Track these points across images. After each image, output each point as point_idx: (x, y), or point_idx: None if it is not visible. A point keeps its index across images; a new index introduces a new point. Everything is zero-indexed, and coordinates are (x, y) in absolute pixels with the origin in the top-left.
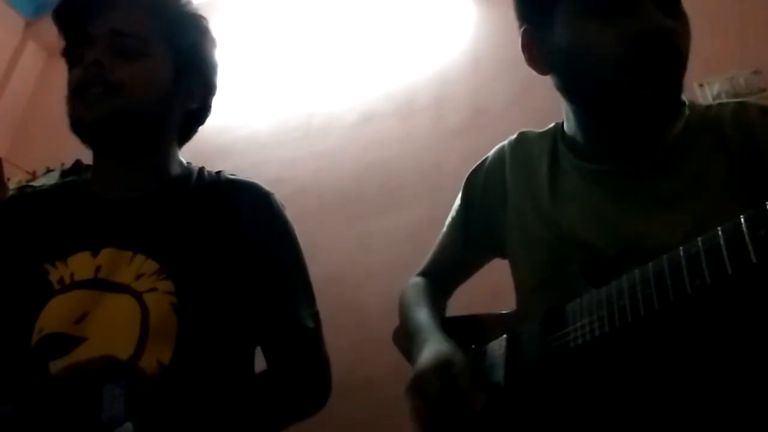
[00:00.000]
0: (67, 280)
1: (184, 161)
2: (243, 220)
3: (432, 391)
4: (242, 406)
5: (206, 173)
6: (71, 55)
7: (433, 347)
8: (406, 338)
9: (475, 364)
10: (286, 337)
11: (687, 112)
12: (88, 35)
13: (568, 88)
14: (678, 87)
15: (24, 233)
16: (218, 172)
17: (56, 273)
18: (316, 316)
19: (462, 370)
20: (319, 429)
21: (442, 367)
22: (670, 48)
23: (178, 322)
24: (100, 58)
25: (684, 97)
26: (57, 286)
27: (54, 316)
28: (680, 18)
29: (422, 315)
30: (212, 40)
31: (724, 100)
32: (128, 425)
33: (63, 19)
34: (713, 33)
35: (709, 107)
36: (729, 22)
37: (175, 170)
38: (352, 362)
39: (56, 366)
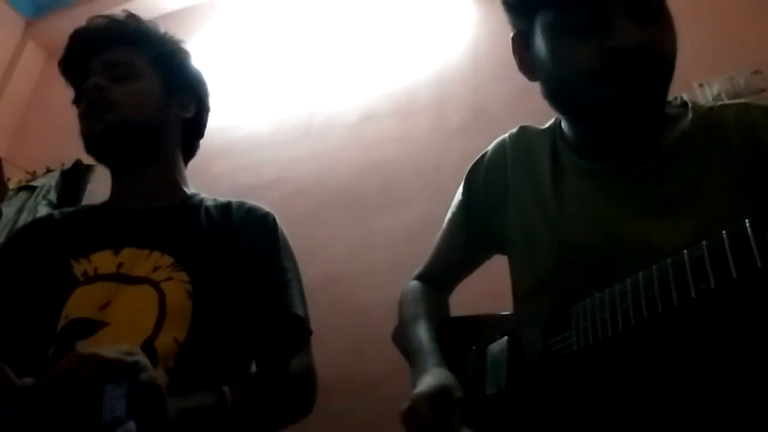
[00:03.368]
0: (91, 273)
1: (194, 190)
2: (249, 230)
3: (426, 422)
4: (240, 406)
5: (217, 198)
6: (78, 95)
7: (431, 376)
8: (405, 351)
9: (475, 365)
10: (276, 323)
11: (690, 114)
12: (87, 71)
13: (551, 98)
14: (658, 95)
15: (52, 239)
16: (227, 200)
17: (80, 267)
18: (307, 321)
19: (456, 405)
20: (319, 428)
21: (437, 398)
22: (643, 62)
23: (193, 305)
24: (99, 81)
25: (687, 99)
26: (81, 278)
27: (79, 303)
28: (660, 23)
29: (423, 334)
30: (189, 58)
31: (726, 102)
32: (131, 424)
33: (68, 70)
34: (713, 33)
35: (711, 109)
36: (729, 22)
37: (189, 189)
38: (352, 362)
39: (81, 346)
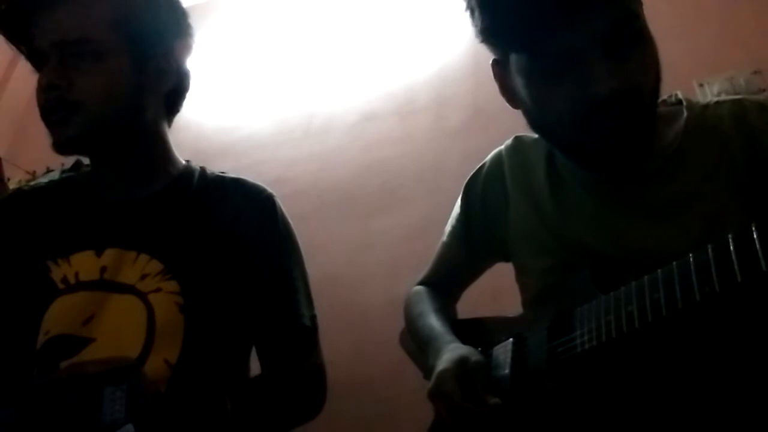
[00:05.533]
0: (72, 280)
1: (183, 160)
2: (246, 221)
3: (453, 396)
4: (242, 410)
5: (209, 173)
6: (32, 63)
7: (450, 352)
8: (416, 346)
9: None
10: (284, 335)
11: (685, 113)
12: (37, 50)
13: (535, 131)
14: (645, 122)
15: (25, 230)
16: (222, 172)
17: (59, 271)
18: (314, 320)
19: (479, 373)
20: (319, 428)
21: (461, 372)
22: (621, 106)
23: (185, 321)
24: (53, 79)
25: (681, 96)
26: (61, 286)
27: (61, 317)
28: (638, 51)
29: (433, 322)
30: (166, 4)
31: (722, 98)
32: (129, 427)
33: (5, 28)
34: (713, 33)
35: (706, 107)
36: (729, 22)
37: (177, 168)
38: (352, 362)
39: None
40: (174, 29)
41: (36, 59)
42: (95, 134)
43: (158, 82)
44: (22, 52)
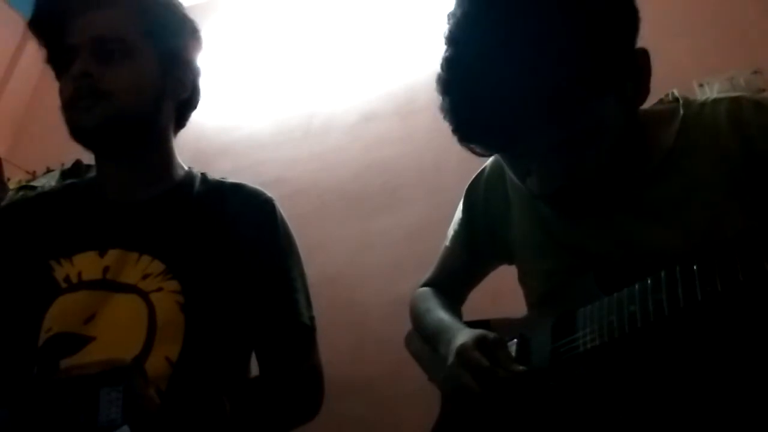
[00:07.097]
0: (74, 279)
1: (185, 166)
2: (246, 223)
3: (481, 361)
4: (240, 410)
5: (210, 178)
6: (56, 63)
7: (466, 334)
8: (425, 341)
9: None
10: (283, 334)
11: (682, 110)
12: (70, 46)
13: None
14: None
15: (29, 232)
16: (222, 178)
17: (62, 271)
18: (312, 320)
19: (500, 346)
20: (319, 428)
21: (481, 344)
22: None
23: (185, 319)
24: (87, 69)
25: (678, 94)
26: (63, 285)
27: (63, 315)
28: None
29: (442, 315)
30: (191, 26)
31: (720, 95)
32: (125, 428)
33: (40, 29)
34: (713, 33)
35: (704, 104)
36: (729, 22)
37: (178, 173)
38: (352, 362)
39: (66, 365)
40: (195, 57)
41: (63, 57)
42: (116, 125)
43: (176, 89)
44: (48, 50)
